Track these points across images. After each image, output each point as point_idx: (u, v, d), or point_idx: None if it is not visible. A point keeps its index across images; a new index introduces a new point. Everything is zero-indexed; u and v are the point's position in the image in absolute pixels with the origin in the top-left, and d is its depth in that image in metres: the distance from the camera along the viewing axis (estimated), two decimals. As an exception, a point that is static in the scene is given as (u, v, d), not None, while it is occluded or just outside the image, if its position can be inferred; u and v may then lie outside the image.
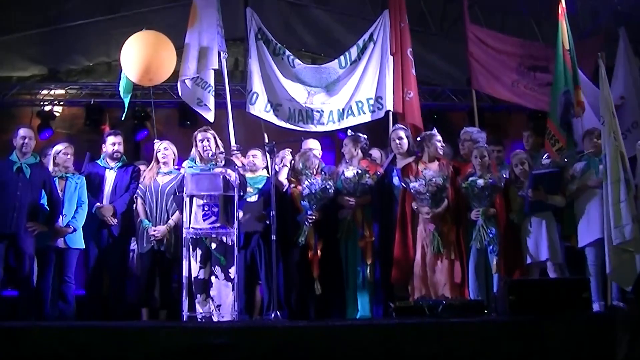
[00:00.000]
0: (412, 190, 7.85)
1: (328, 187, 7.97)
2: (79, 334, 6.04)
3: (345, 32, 12.42)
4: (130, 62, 9.15)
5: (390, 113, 9.64)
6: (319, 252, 8.12)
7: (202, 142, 8.04)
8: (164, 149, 8.48)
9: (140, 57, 9.09)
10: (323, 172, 8.22)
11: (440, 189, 7.75)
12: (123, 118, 10.33)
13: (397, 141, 8.47)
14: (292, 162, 8.51)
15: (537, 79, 10.14)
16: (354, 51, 9.90)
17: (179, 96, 10.03)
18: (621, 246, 7.30)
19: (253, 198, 8.26)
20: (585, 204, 7.72)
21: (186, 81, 9.53)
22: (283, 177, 8.40)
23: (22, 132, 7.99)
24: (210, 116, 9.50)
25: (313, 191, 7.94)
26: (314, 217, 8.05)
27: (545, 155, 8.26)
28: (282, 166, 8.47)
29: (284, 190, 8.30)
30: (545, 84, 9.80)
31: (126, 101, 9.73)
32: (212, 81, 9.61)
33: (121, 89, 9.64)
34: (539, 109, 10.15)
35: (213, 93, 9.59)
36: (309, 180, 8.01)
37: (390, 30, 9.90)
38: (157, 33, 9.39)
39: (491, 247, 7.58)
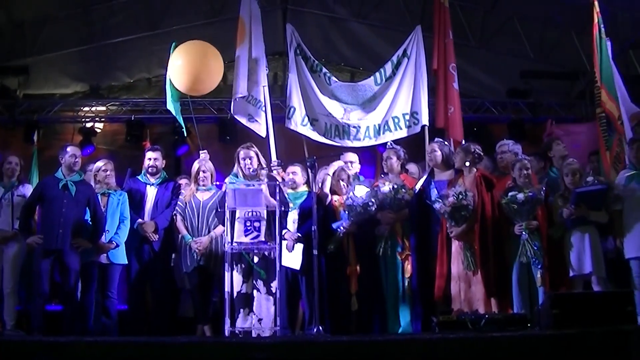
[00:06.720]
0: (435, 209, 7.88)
1: (370, 204, 7.92)
2: (122, 349, 6.07)
3: (384, 45, 12.41)
4: (178, 71, 9.06)
5: (426, 128, 9.58)
6: (357, 267, 8.10)
7: (244, 160, 8.08)
8: (203, 166, 8.53)
9: (188, 67, 8.99)
10: (372, 189, 8.14)
11: (458, 208, 7.65)
12: (184, 130, 10.47)
13: (430, 154, 8.39)
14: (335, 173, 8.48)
15: None
16: (388, 67, 9.89)
17: (218, 111, 10.04)
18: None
19: (294, 213, 8.24)
20: (631, 215, 7.60)
21: (238, 99, 9.58)
22: (326, 187, 8.40)
23: (72, 150, 8.14)
24: (262, 131, 9.57)
25: (355, 204, 7.93)
26: (348, 228, 8.03)
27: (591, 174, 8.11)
28: (325, 175, 8.46)
29: (327, 203, 8.29)
30: None
31: (174, 109, 9.63)
32: (262, 98, 9.67)
33: (168, 98, 9.49)
34: None
35: (264, 109, 9.65)
36: (354, 192, 7.98)
37: (434, 45, 9.90)
38: (205, 43, 9.31)
39: (535, 260, 7.48)
